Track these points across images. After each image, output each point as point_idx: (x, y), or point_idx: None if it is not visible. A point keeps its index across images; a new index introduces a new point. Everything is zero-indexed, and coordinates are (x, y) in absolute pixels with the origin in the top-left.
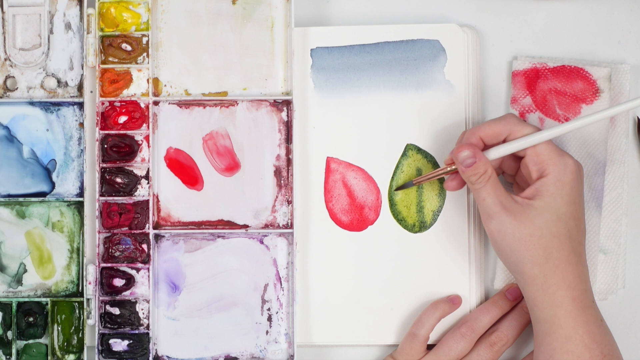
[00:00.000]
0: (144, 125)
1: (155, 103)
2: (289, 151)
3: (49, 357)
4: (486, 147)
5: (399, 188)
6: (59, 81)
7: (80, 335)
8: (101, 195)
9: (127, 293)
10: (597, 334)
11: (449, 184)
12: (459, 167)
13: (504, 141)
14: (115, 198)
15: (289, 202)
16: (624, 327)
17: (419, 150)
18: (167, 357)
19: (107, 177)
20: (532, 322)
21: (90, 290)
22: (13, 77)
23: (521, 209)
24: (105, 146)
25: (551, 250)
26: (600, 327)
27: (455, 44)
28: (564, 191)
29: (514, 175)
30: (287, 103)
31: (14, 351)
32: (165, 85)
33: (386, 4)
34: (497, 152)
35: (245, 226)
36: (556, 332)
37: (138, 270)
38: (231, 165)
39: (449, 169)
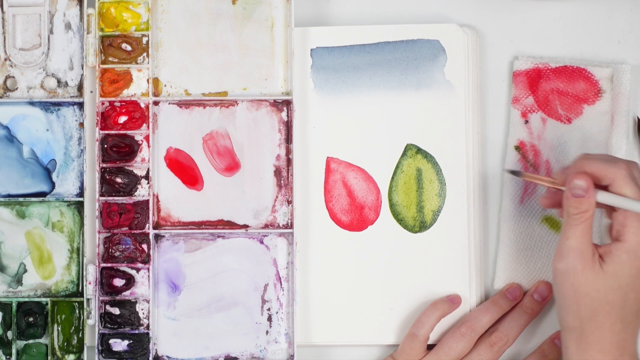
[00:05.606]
0: (144, 125)
1: (155, 103)
2: (289, 151)
3: (49, 357)
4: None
5: (510, 171)
6: (59, 81)
7: (80, 335)
8: (101, 195)
9: (127, 293)
10: None
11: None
12: (567, 192)
13: (606, 187)
14: (115, 198)
15: (289, 202)
16: None
17: (419, 150)
18: (167, 357)
19: (107, 177)
20: None
21: (90, 290)
22: (13, 77)
23: (592, 265)
24: (105, 146)
25: (598, 313)
26: None
27: (455, 44)
28: (633, 264)
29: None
30: (287, 103)
31: (14, 351)
32: (165, 85)
33: (386, 4)
34: (605, 199)
35: (245, 226)
36: None
37: (138, 270)
38: (231, 165)
39: (557, 186)
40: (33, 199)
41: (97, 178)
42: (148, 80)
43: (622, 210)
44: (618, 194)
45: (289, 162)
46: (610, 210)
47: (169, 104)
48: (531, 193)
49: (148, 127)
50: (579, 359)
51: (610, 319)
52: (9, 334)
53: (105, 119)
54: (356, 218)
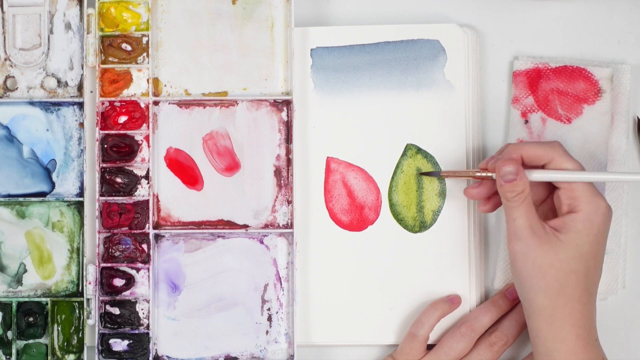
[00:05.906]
0: (144, 125)
1: (155, 103)
2: (289, 151)
3: (49, 357)
4: (524, 166)
5: (424, 174)
6: (59, 81)
7: (80, 335)
8: (101, 195)
9: (127, 293)
10: None
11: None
12: (498, 180)
13: (543, 166)
14: (115, 198)
15: (289, 202)
16: (624, 327)
17: (419, 150)
18: (167, 357)
19: (107, 177)
20: (533, 355)
21: (90, 290)
22: (13, 77)
23: (548, 238)
24: (105, 146)
25: (566, 285)
26: None
27: (455, 44)
28: (591, 231)
29: (538, 203)
30: (287, 103)
31: (14, 351)
32: (165, 85)
33: (386, 4)
34: (539, 176)
35: (245, 226)
36: None
37: (138, 270)
38: (231, 165)
39: (483, 174)
40: (33, 199)
41: (97, 178)
42: (148, 80)
43: (567, 184)
44: (561, 170)
45: (289, 162)
46: (544, 191)
47: (169, 104)
48: None
49: (148, 127)
50: (553, 339)
51: (578, 290)
52: (9, 334)
53: (105, 119)
54: (356, 218)
